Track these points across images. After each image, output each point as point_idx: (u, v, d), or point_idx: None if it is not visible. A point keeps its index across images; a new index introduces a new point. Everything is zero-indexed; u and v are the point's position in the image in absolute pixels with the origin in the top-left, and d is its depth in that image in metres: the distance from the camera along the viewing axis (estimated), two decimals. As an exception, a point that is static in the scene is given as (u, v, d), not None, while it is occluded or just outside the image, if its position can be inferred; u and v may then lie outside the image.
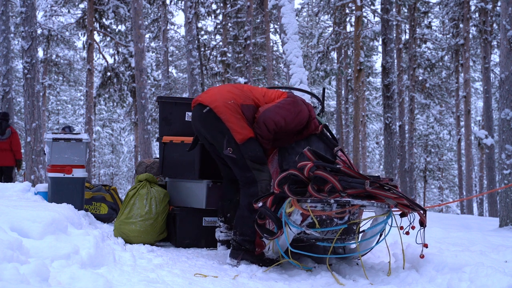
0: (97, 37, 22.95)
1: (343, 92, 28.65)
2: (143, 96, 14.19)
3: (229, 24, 25.14)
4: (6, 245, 2.41)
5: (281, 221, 3.30)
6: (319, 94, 26.03)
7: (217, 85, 25.77)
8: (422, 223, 3.42)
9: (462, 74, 24.45)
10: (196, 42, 18.40)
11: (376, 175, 3.38)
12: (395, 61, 20.87)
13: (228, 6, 24.89)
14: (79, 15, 23.67)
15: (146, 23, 25.35)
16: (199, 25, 25.43)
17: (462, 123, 26.12)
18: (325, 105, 5.10)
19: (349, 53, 25.78)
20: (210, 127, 3.77)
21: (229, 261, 3.69)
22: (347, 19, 25.18)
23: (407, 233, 3.39)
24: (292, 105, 3.81)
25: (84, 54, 23.47)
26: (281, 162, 3.92)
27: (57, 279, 2.42)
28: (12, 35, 19.82)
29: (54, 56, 28.50)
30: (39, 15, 24.50)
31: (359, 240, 3.55)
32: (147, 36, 26.51)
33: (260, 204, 3.43)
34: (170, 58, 30.16)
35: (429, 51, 26.46)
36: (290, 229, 3.34)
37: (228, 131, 3.68)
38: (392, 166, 14.85)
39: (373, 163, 41.73)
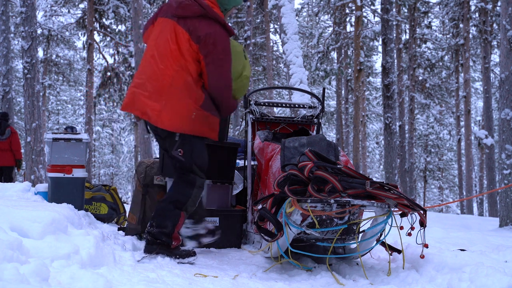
0: (97, 37, 22.96)
1: (343, 92, 28.64)
2: (143, 96, 14.18)
3: (229, 24, 25.12)
4: (6, 245, 2.41)
5: (281, 223, 3.29)
6: (319, 94, 26.03)
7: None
8: (422, 223, 3.42)
9: (462, 74, 24.47)
10: (196, 42, 18.36)
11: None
12: (395, 61, 20.88)
13: (228, 6, 24.83)
14: (79, 15, 23.70)
15: (146, 23, 25.35)
16: (199, 25, 25.42)
17: (462, 123, 26.14)
18: (325, 105, 5.10)
19: (349, 53, 25.79)
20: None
21: (143, 256, 3.53)
22: (347, 19, 25.19)
23: (409, 234, 3.38)
24: None
25: (84, 54, 23.50)
26: (283, 162, 3.93)
27: (57, 279, 2.42)
28: (12, 35, 19.83)
29: (54, 56, 28.51)
30: (39, 15, 24.52)
31: (359, 240, 3.55)
32: (147, 36, 26.46)
33: (260, 206, 3.42)
34: (170, 58, 30.11)
35: (429, 51, 26.47)
36: (290, 229, 3.34)
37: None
38: (392, 166, 14.85)
39: (373, 163, 41.74)
